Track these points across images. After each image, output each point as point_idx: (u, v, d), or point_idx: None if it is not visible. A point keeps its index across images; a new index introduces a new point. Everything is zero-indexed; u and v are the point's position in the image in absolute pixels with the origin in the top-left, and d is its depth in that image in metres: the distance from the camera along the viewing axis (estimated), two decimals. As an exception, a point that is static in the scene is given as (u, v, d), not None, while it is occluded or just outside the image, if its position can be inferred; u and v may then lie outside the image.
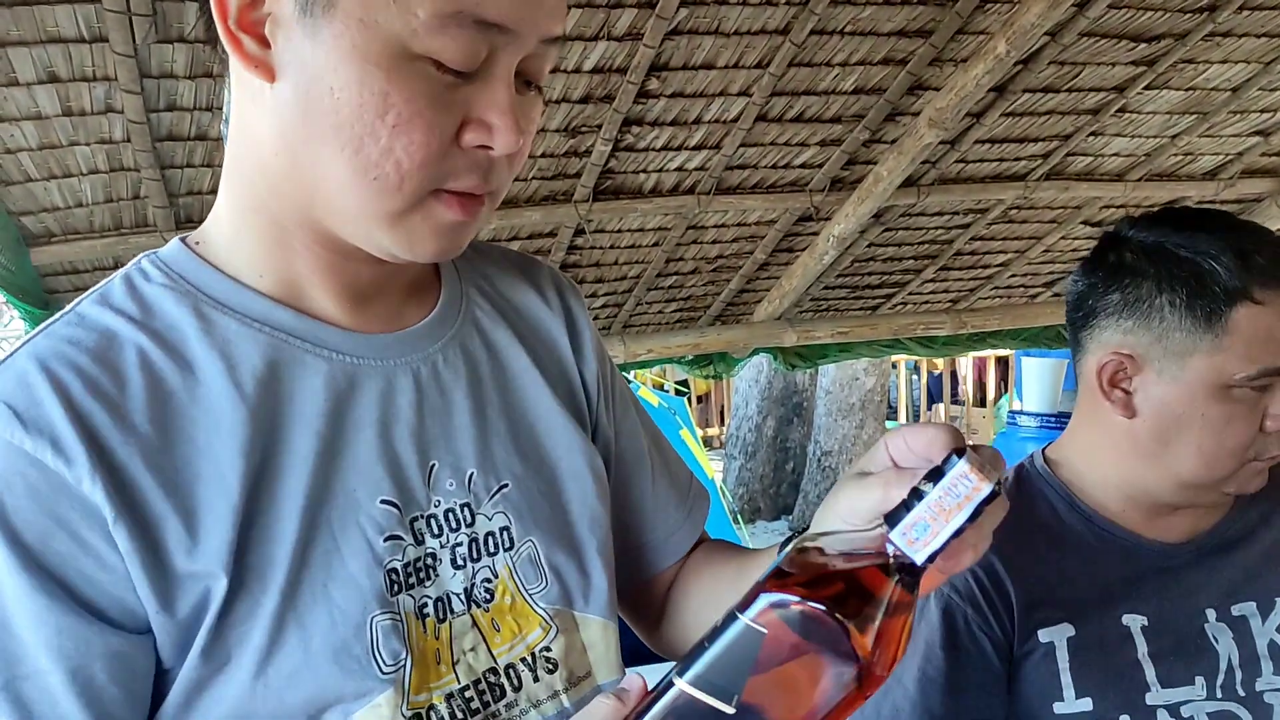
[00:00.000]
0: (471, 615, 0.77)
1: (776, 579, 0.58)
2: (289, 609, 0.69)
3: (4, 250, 2.18)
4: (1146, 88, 2.60)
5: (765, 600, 0.56)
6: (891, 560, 0.59)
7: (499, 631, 0.78)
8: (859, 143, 2.56)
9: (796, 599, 0.56)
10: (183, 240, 0.79)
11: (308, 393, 0.74)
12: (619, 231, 2.70)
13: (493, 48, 0.68)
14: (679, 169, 2.54)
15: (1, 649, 0.64)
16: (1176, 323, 1.08)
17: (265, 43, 0.68)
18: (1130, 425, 1.14)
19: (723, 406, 10.42)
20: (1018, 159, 2.82)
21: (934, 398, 10.11)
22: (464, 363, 0.83)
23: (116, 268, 2.33)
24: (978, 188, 2.86)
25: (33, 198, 2.10)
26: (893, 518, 0.59)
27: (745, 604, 0.57)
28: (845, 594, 0.57)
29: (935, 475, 0.58)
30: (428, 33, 0.65)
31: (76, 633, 0.64)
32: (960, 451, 0.58)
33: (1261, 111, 2.84)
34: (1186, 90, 2.67)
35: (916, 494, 0.59)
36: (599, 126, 2.31)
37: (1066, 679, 1.11)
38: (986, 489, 0.57)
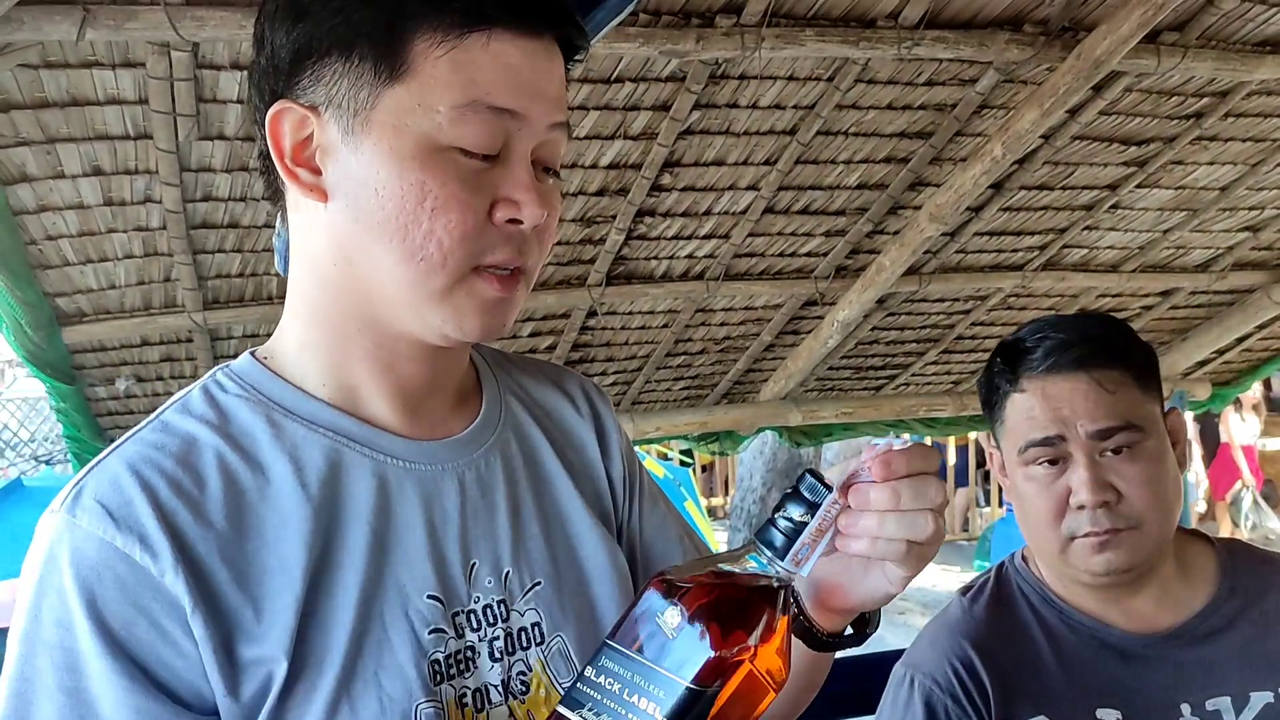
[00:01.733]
0: (509, 706, 0.83)
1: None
2: (343, 693, 0.75)
3: (37, 329, 2.26)
4: (1138, 186, 2.71)
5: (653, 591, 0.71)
6: (775, 581, 0.71)
7: None
8: (862, 234, 2.66)
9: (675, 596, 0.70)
10: (252, 354, 0.87)
11: (363, 492, 0.81)
12: (630, 313, 2.79)
13: (508, 133, 0.77)
14: (689, 256, 2.63)
15: None
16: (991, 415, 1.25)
17: (317, 171, 0.79)
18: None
19: (727, 477, 10.44)
20: (1015, 250, 2.92)
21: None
22: (502, 467, 0.89)
23: (143, 345, 2.40)
24: (978, 276, 2.96)
25: (68, 280, 2.19)
26: (771, 543, 0.71)
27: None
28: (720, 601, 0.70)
29: (796, 496, 0.71)
30: (450, 124, 0.75)
31: (152, 715, 0.71)
32: (814, 473, 0.71)
33: (1250, 209, 2.94)
34: (1176, 189, 2.77)
35: (786, 518, 0.71)
36: (613, 217, 2.41)
37: None
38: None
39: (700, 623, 0.68)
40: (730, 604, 0.70)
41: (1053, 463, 1.17)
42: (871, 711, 1.36)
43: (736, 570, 0.72)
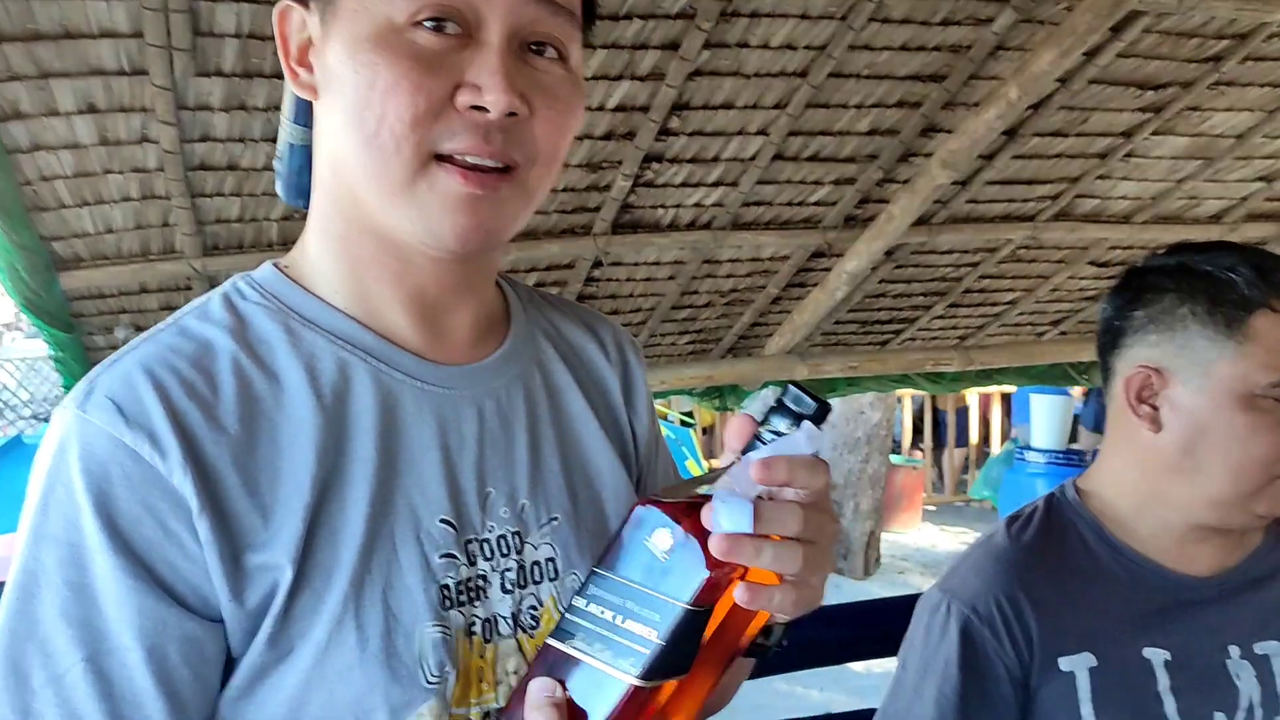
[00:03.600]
0: (517, 639, 0.81)
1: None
2: (348, 609, 0.73)
3: (34, 275, 2.22)
4: (1153, 133, 2.66)
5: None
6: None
7: None
8: (872, 182, 2.61)
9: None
10: (274, 264, 0.85)
11: (369, 407, 0.79)
12: (636, 265, 2.75)
13: (475, 9, 0.73)
14: (696, 205, 2.59)
15: (89, 624, 0.69)
16: (1199, 330, 1.13)
17: (311, 69, 0.78)
18: (1157, 440, 1.17)
19: (727, 438, 10.44)
20: (1027, 200, 2.87)
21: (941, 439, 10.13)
22: (525, 400, 0.88)
23: (142, 293, 2.36)
24: (988, 227, 2.91)
25: (65, 224, 2.15)
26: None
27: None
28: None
29: (781, 409, 0.70)
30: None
31: (156, 615, 0.70)
32: (798, 385, 0.71)
33: (1265, 158, 2.90)
34: (1192, 136, 2.72)
35: (773, 431, 0.70)
36: (620, 162, 2.36)
37: (1087, 709, 1.13)
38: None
39: (692, 542, 0.66)
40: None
41: None
42: (889, 654, 1.34)
43: None
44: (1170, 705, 1.13)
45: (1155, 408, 1.16)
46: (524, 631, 0.81)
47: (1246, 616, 1.18)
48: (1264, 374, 1.10)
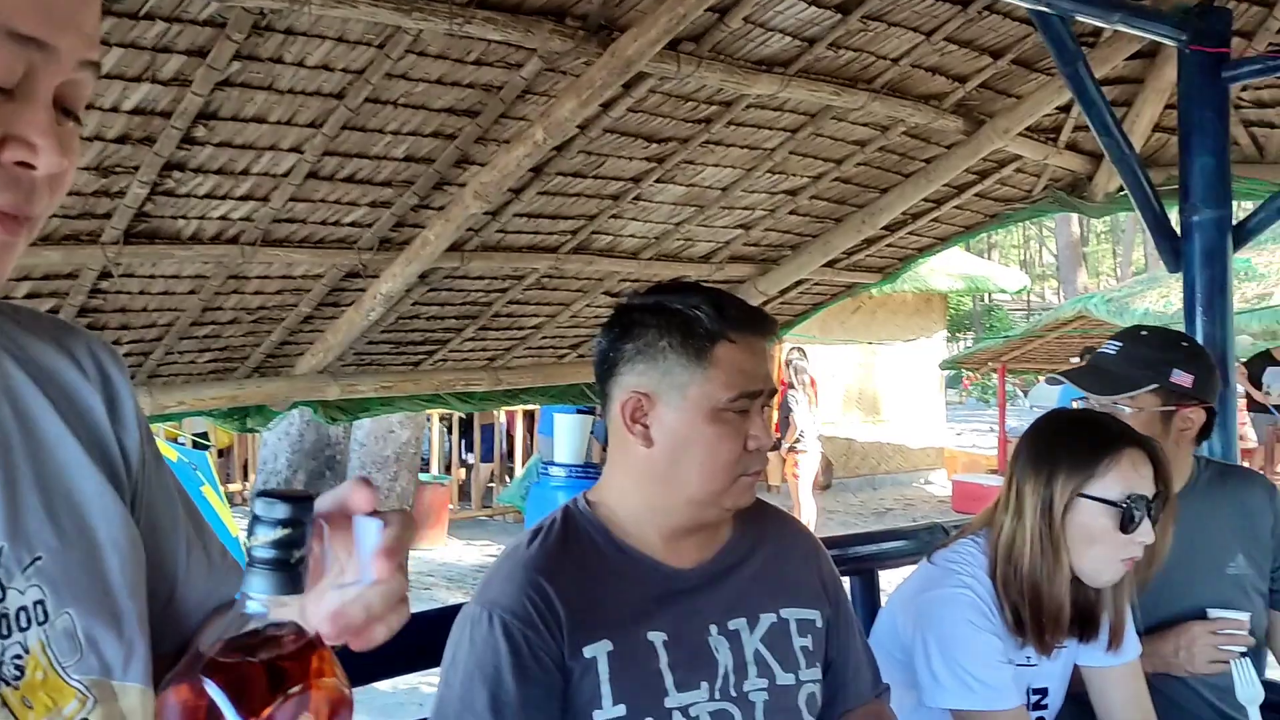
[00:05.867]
0: (1, 695, 0.75)
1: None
2: None
3: None
4: (657, 181, 3.00)
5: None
6: (288, 630, 0.67)
7: (31, 709, 0.76)
8: (408, 207, 2.67)
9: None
10: None
11: None
12: (151, 277, 2.56)
13: (30, 65, 0.68)
14: (223, 218, 2.47)
15: None
16: (676, 359, 1.34)
17: None
18: (650, 455, 1.36)
19: (247, 461, 9.89)
20: (551, 233, 3.09)
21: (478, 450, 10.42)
22: None
23: None
24: (516, 256, 3.10)
25: None
26: (263, 584, 0.67)
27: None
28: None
29: (260, 521, 0.67)
30: None
31: None
32: (267, 492, 0.68)
33: (744, 209, 3.38)
34: (688, 186, 3.11)
35: (266, 547, 0.67)
36: (136, 168, 2.19)
37: (606, 688, 1.29)
38: None
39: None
40: (252, 681, 0.65)
41: (744, 412, 1.34)
42: (420, 668, 1.39)
43: (245, 632, 0.67)
44: (669, 679, 1.33)
45: (646, 426, 1.36)
46: (7, 685, 0.75)
47: (722, 599, 1.41)
48: (725, 392, 1.34)
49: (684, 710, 1.31)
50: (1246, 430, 10.07)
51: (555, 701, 1.27)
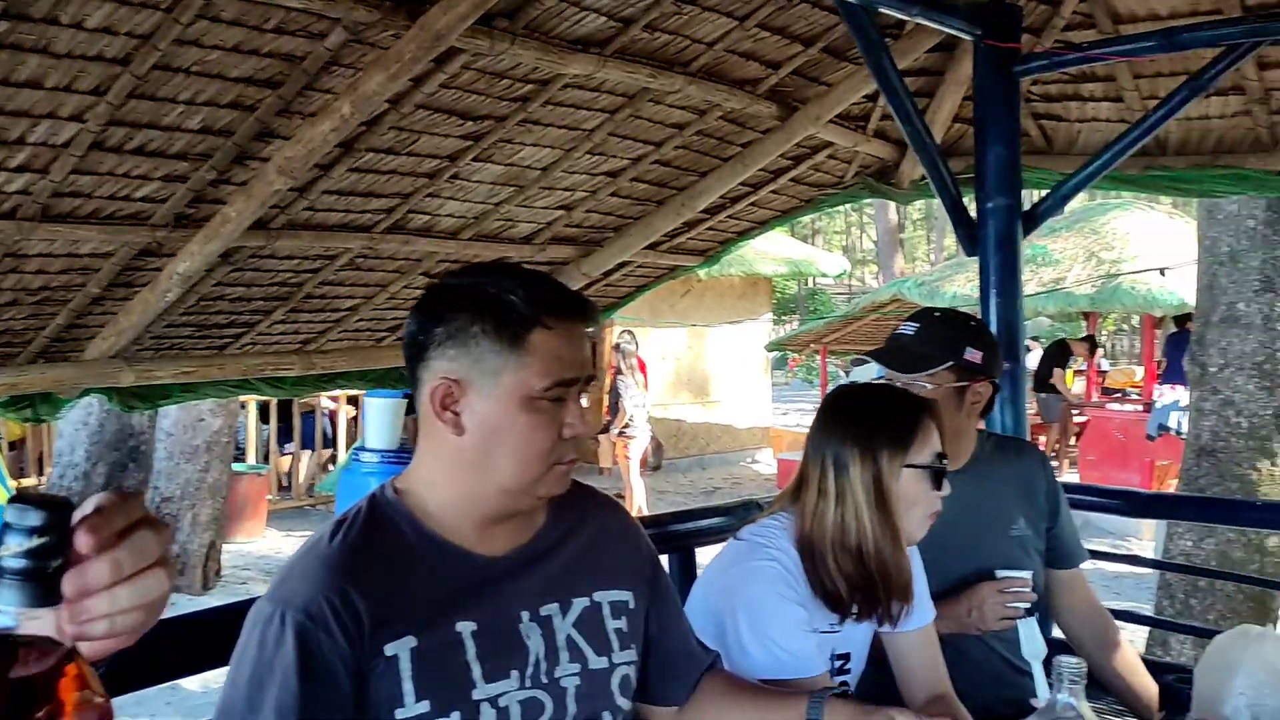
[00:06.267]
0: None
1: None
2: None
3: None
4: (474, 159, 2.94)
5: None
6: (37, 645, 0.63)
7: None
8: (205, 181, 2.52)
9: None
10: None
11: None
12: (-88, 256, 2.34)
13: None
14: (-5, 191, 2.27)
15: None
16: (489, 346, 1.29)
17: None
18: (460, 442, 1.31)
19: (42, 454, 9.22)
20: (364, 212, 2.99)
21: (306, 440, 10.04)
22: None
23: None
24: (326, 235, 2.98)
25: None
26: (17, 596, 0.62)
27: None
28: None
29: (9, 529, 0.62)
30: None
31: None
32: (22, 497, 0.63)
33: (565, 190, 3.36)
34: (506, 165, 3.06)
35: (17, 557, 0.62)
36: (-113, 134, 1.99)
37: (408, 686, 1.23)
38: None
39: None
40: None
41: (560, 400, 1.30)
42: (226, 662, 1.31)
43: None
44: (477, 670, 1.28)
45: (457, 414, 1.31)
46: None
47: (534, 585, 1.38)
48: (539, 380, 1.29)
49: (493, 701, 1.28)
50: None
51: (348, 705, 1.21)
